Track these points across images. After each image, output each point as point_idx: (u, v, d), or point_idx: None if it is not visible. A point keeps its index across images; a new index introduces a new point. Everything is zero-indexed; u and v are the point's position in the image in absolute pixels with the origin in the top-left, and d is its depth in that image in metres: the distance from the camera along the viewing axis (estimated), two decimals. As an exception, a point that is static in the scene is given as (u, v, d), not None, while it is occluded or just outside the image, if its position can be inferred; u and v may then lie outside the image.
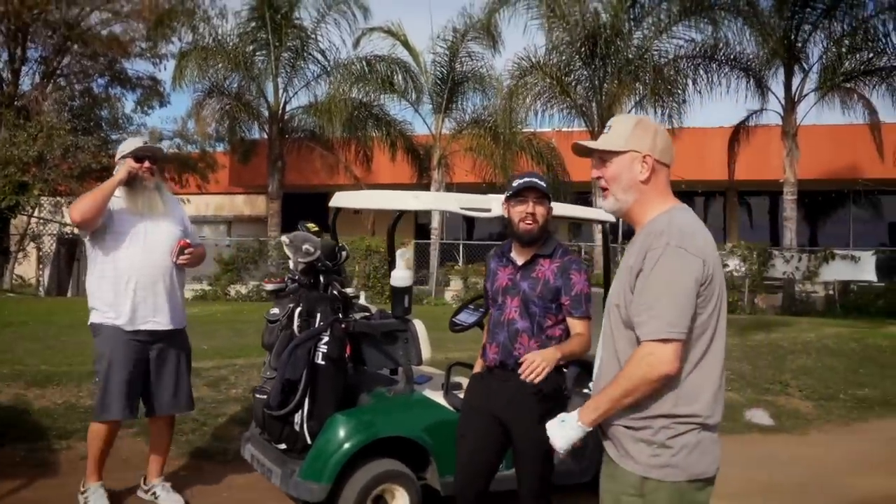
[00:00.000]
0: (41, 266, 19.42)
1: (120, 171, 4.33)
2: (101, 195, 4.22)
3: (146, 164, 4.39)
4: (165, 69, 22.93)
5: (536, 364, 3.17)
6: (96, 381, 4.41)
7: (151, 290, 4.34)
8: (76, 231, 14.49)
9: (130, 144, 4.49)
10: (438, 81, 19.58)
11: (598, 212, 3.23)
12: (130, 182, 4.35)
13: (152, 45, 22.61)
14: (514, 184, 3.49)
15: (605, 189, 2.44)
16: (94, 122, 22.13)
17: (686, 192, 21.98)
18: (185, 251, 4.42)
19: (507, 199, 3.52)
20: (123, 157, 4.40)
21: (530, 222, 3.43)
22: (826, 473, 5.93)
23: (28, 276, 19.90)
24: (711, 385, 2.31)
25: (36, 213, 18.70)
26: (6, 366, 6.69)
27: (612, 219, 4.29)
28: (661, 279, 2.23)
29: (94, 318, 4.37)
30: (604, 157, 2.43)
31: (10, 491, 4.59)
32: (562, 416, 2.42)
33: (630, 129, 2.40)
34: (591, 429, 2.35)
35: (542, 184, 3.47)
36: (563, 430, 2.39)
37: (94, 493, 4.37)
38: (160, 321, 4.39)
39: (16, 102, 20.75)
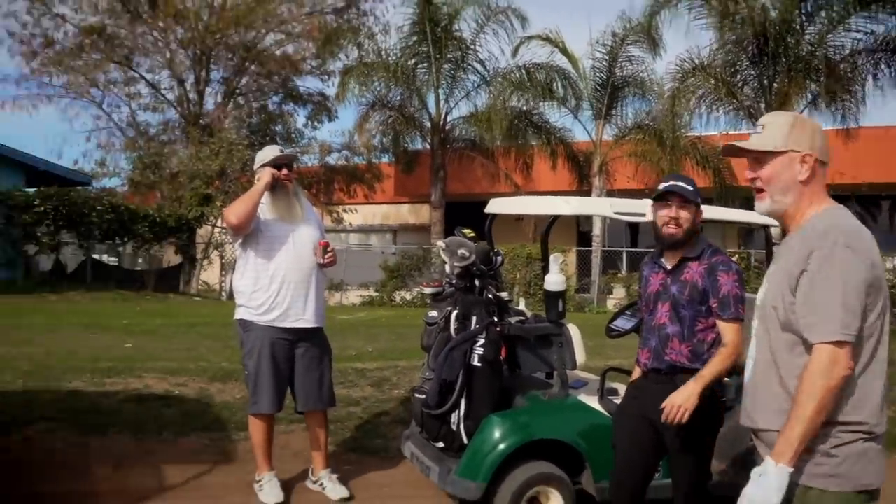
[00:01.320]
0: (224, 272, 20.74)
1: (263, 178, 4.56)
2: (251, 200, 4.48)
3: (284, 171, 4.65)
4: (333, 85, 24.13)
5: (677, 407, 3.18)
6: (246, 374, 4.67)
7: (302, 290, 4.58)
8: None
9: (268, 153, 4.73)
10: (598, 87, 19.42)
11: (754, 214, 3.13)
12: (272, 188, 4.60)
13: (321, 62, 23.83)
14: (660, 187, 3.44)
15: (760, 191, 2.38)
16: (270, 137, 23.44)
17: (868, 196, 20.53)
18: (328, 250, 4.65)
19: (653, 203, 3.48)
20: (263, 165, 4.65)
21: (673, 227, 3.37)
22: None
23: (212, 282, 21.34)
24: (877, 392, 2.20)
25: (219, 223, 20.11)
26: (192, 362, 7.30)
27: (771, 222, 4.12)
28: (831, 280, 2.15)
29: (244, 314, 4.61)
30: (760, 157, 2.37)
31: (195, 476, 4.99)
32: (755, 471, 2.17)
33: (788, 128, 2.32)
34: (793, 469, 2.13)
35: (688, 188, 3.39)
36: (765, 484, 2.13)
37: (267, 482, 4.66)
38: (308, 319, 4.62)
39: (201, 121, 22.50)
